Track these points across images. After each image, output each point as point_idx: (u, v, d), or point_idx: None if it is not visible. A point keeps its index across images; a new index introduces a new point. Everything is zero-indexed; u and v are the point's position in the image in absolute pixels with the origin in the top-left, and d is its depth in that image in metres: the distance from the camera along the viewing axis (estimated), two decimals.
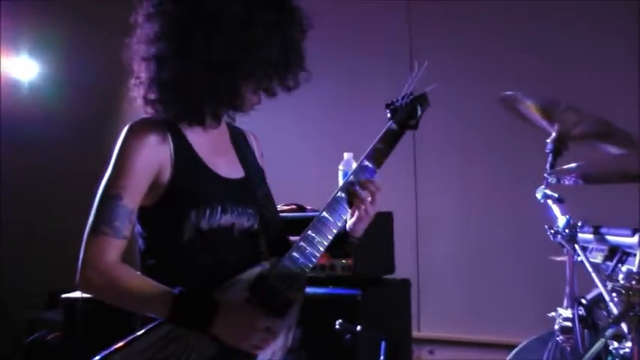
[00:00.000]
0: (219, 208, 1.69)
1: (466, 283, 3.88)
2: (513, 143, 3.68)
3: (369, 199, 1.85)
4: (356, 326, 2.53)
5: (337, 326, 2.53)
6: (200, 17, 1.64)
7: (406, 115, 1.95)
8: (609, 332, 1.91)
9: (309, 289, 2.96)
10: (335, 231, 1.77)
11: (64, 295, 3.51)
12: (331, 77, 4.01)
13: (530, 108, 2.39)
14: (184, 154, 1.70)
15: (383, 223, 3.23)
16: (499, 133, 3.75)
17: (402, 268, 3.33)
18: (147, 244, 1.73)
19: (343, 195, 1.82)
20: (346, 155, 3.13)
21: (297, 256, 1.70)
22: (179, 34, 1.65)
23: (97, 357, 1.57)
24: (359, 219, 1.90)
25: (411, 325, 3.34)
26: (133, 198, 1.65)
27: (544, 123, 2.42)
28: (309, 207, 3.25)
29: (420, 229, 4.00)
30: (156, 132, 1.68)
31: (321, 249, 1.73)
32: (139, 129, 1.68)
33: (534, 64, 3.67)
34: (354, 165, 3.09)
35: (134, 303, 1.65)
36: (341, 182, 3.11)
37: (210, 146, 1.77)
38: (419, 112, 1.97)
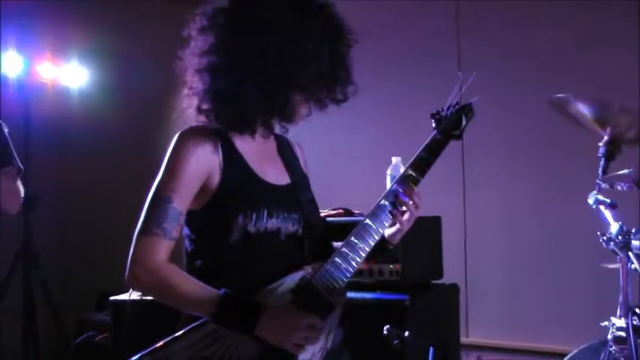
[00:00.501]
0: (266, 212, 1.75)
1: (515, 288, 3.83)
2: (564, 147, 3.62)
3: (412, 208, 1.90)
4: (404, 332, 2.52)
5: (385, 332, 2.52)
6: (253, 30, 1.70)
7: (450, 126, 1.99)
8: None
9: (357, 294, 3.01)
10: (377, 237, 1.83)
11: (112, 297, 3.56)
12: (381, 82, 4.01)
13: (582, 111, 2.35)
14: (233, 161, 1.77)
15: (431, 228, 3.22)
16: (549, 137, 3.70)
17: (451, 273, 3.30)
18: (194, 246, 1.79)
19: (386, 203, 1.87)
20: (394, 160, 3.12)
21: (340, 261, 1.77)
22: (232, 46, 1.71)
23: (144, 352, 1.64)
24: (399, 228, 1.94)
25: (459, 330, 3.30)
26: (182, 201, 1.71)
27: (596, 126, 2.38)
28: (356, 211, 3.24)
29: (468, 234, 3.96)
30: (206, 139, 1.75)
31: (363, 255, 1.80)
32: (191, 136, 1.74)
33: (585, 66, 3.61)
34: (402, 169, 3.11)
35: (180, 301, 1.70)
36: (389, 187, 3.13)
37: (258, 154, 1.84)
38: (463, 123, 2.01)
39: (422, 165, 1.94)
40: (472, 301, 3.86)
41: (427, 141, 1.97)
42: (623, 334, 2.16)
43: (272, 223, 1.76)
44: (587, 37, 3.64)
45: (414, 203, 1.89)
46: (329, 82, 1.77)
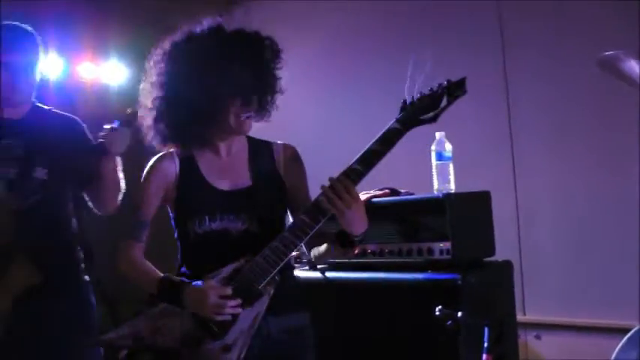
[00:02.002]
0: (207, 217, 2.14)
1: (572, 263, 3.72)
2: (616, 118, 3.50)
3: (340, 205, 1.96)
4: (457, 312, 2.46)
5: (437, 312, 2.47)
6: (178, 64, 2.13)
7: (420, 110, 2.01)
8: None
9: (407, 275, 2.96)
10: (309, 231, 2.01)
11: (134, 283, 3.55)
12: (410, 63, 3.94)
13: (633, 68, 2.24)
14: (188, 175, 2.20)
15: (480, 203, 3.12)
16: (600, 108, 3.58)
17: (504, 250, 3.20)
18: (177, 239, 2.26)
19: (321, 198, 1.99)
20: (438, 135, 3.06)
21: (269, 253, 2.03)
22: (165, 79, 2.16)
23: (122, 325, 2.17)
24: (340, 219, 2.01)
25: (515, 308, 3.21)
26: (148, 212, 2.23)
27: None
28: (402, 190, 3.18)
29: (520, 209, 3.86)
30: (163, 162, 2.24)
31: (293, 248, 2.03)
32: (154, 161, 2.25)
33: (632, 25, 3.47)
34: (447, 145, 3.05)
35: (143, 284, 2.21)
36: (434, 163, 3.07)
37: (219, 165, 2.21)
38: (443, 103, 2.01)
39: (371, 158, 2.00)
40: (527, 277, 3.76)
41: (382, 131, 2.00)
42: None
43: (217, 225, 2.14)
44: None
45: (343, 200, 1.95)
46: (248, 95, 2.10)
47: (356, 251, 2.12)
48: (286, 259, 2.04)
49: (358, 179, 2.00)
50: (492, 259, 3.12)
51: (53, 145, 2.74)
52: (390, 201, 3.11)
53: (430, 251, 2.96)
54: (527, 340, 3.73)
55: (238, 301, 2.03)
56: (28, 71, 2.74)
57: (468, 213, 3.01)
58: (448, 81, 2.01)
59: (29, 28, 2.77)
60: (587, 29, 3.64)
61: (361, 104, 4.40)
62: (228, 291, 2.03)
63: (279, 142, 2.30)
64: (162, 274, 2.16)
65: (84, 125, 2.86)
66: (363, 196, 2.59)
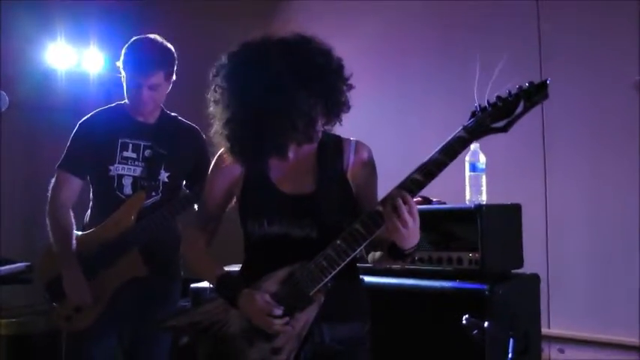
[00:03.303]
0: (265, 222, 2.09)
1: (600, 279, 3.70)
2: None
3: (396, 221, 1.88)
4: (483, 322, 2.48)
5: (464, 321, 2.49)
6: (253, 85, 1.99)
7: (489, 118, 1.88)
8: None
9: (436, 283, 2.99)
10: (363, 242, 1.95)
11: (193, 285, 3.66)
12: (456, 66, 3.95)
13: None
14: (253, 173, 2.14)
15: (511, 216, 3.15)
16: (634, 122, 3.56)
17: (531, 263, 3.22)
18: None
19: (380, 209, 1.92)
20: (473, 146, 3.09)
21: (321, 261, 1.97)
22: (236, 101, 2.03)
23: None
24: (394, 234, 1.92)
25: (540, 322, 3.23)
26: (212, 204, 2.24)
27: None
28: (434, 199, 3.21)
29: (549, 222, 3.86)
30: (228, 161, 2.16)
31: (346, 257, 1.97)
32: (218, 155, 2.22)
33: None
34: (481, 156, 3.07)
35: (201, 274, 2.30)
36: (467, 174, 3.10)
37: (287, 167, 2.13)
38: (519, 110, 1.86)
39: (433, 169, 1.90)
40: (554, 291, 3.76)
41: (448, 140, 1.89)
42: None
43: (276, 229, 2.08)
44: None
45: (401, 220, 1.87)
46: (322, 106, 2.01)
47: (410, 261, 2.06)
48: (338, 269, 1.97)
49: (418, 190, 1.92)
50: (520, 271, 3.15)
51: (177, 151, 3.00)
52: (422, 209, 3.10)
53: (459, 261, 3.00)
54: (551, 353, 3.73)
55: (286, 319, 2.01)
56: (158, 89, 2.96)
57: (498, 225, 3.03)
58: (530, 83, 1.87)
59: (164, 44, 2.98)
60: (624, 46, 3.63)
61: (403, 104, 4.41)
62: (278, 312, 2.00)
63: (352, 139, 2.19)
64: (221, 270, 2.17)
65: (204, 136, 2.98)
66: None
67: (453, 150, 1.88)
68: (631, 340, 3.50)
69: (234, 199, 2.22)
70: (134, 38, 2.98)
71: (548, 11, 3.91)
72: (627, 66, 3.47)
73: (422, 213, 3.02)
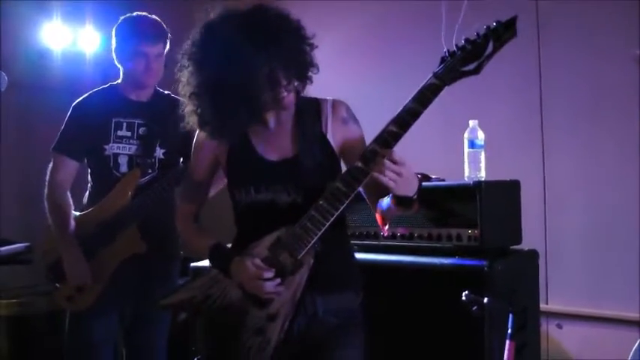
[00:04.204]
0: (252, 189, 2.11)
1: (597, 255, 3.71)
2: None
3: (393, 167, 1.85)
4: (483, 298, 2.50)
5: (464, 297, 2.51)
6: (216, 58, 2.01)
7: (459, 62, 1.85)
8: None
9: (435, 260, 3.00)
10: (345, 200, 1.94)
11: (193, 264, 3.67)
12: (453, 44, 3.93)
13: None
14: (237, 145, 2.15)
15: (510, 192, 3.15)
16: (631, 98, 3.55)
17: (530, 239, 3.23)
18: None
19: (359, 164, 1.92)
20: (471, 123, 3.09)
21: (306, 222, 1.98)
22: (203, 75, 2.04)
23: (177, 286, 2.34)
24: (389, 186, 1.88)
25: (538, 297, 3.24)
26: (199, 173, 2.26)
27: None
28: (433, 176, 3.22)
29: (548, 198, 3.86)
30: None
31: (330, 217, 1.96)
32: (197, 133, 2.23)
33: None
34: (480, 133, 3.07)
35: (194, 246, 2.26)
36: (466, 151, 3.10)
37: (268, 135, 2.15)
38: (488, 50, 1.84)
39: (407, 118, 1.87)
40: (552, 267, 3.77)
41: (419, 88, 1.86)
42: None
43: (263, 196, 2.10)
44: None
45: (391, 161, 1.84)
46: (284, 68, 1.98)
47: (415, 207, 1.99)
48: (324, 229, 1.97)
49: (394, 142, 1.89)
50: (519, 247, 3.17)
51: (172, 128, 2.91)
52: (421, 186, 3.13)
53: (459, 237, 3.01)
54: (549, 329, 3.75)
55: (277, 281, 2.02)
56: (160, 59, 2.99)
57: (497, 201, 3.04)
58: (497, 22, 1.84)
59: (158, 19, 3.02)
60: (622, 23, 3.61)
61: (396, 83, 4.40)
62: (269, 274, 2.02)
63: (328, 98, 2.19)
64: (213, 241, 2.18)
65: None
66: None
67: (425, 97, 1.86)
68: (629, 314, 3.51)
69: (220, 170, 2.25)
70: (127, 15, 3.01)
71: None
72: (627, 39, 3.46)
73: (421, 190, 3.07)
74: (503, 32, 1.84)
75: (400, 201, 1.95)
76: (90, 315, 2.95)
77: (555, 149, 3.85)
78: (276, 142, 2.15)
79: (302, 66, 2.03)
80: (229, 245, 2.24)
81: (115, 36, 3.01)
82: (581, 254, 3.77)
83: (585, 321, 3.72)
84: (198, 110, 2.08)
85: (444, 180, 3.21)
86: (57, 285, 3.01)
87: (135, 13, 3.02)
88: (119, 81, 3.08)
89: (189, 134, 2.98)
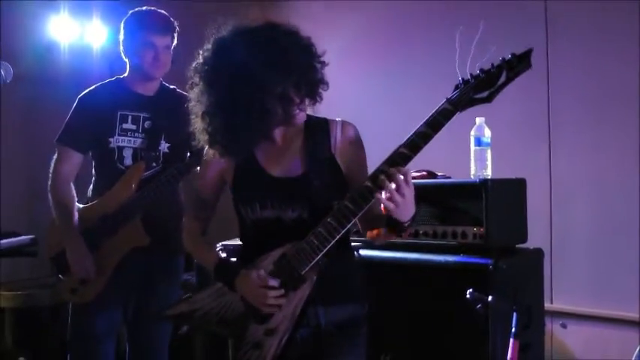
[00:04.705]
0: (258, 206, 2.11)
1: (603, 255, 3.70)
2: None
3: (395, 195, 1.89)
4: (487, 296, 2.49)
5: (468, 295, 2.51)
6: (227, 77, 2.01)
7: (472, 90, 1.90)
8: None
9: (440, 257, 3.00)
10: (352, 218, 1.96)
11: (195, 259, 3.67)
12: (461, 42, 3.91)
13: None
14: (244, 162, 2.16)
15: (516, 191, 3.14)
16: (638, 97, 3.55)
17: (535, 237, 3.22)
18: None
19: (369, 184, 1.94)
20: (478, 121, 3.08)
21: (312, 239, 1.99)
22: (216, 95, 2.04)
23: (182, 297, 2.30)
24: (389, 208, 1.92)
25: (543, 296, 3.24)
26: (205, 192, 2.29)
27: None
28: (439, 173, 3.21)
29: (553, 197, 3.85)
30: None
31: (336, 234, 1.97)
32: (206, 150, 2.23)
33: None
34: (487, 131, 3.06)
35: (200, 260, 2.33)
36: (473, 148, 3.09)
37: (275, 151, 2.16)
38: (501, 80, 1.89)
39: (418, 142, 1.92)
40: (557, 266, 3.76)
41: (432, 112, 1.91)
42: None
43: (268, 213, 2.10)
44: None
45: (397, 186, 1.88)
46: (295, 85, 2.00)
47: (408, 233, 2.08)
48: (329, 246, 1.99)
49: (404, 164, 1.92)
50: (524, 245, 3.16)
51: (177, 122, 2.92)
52: (427, 183, 3.14)
53: (464, 235, 3.00)
54: (553, 328, 3.74)
55: (281, 291, 2.04)
56: (168, 52, 3.00)
57: (503, 199, 3.03)
58: (512, 54, 1.90)
59: (167, 14, 3.05)
60: (629, 23, 3.59)
61: (405, 82, 4.39)
62: (273, 283, 2.04)
63: (337, 119, 2.21)
64: (219, 256, 2.22)
65: None
66: None
67: (437, 122, 1.91)
68: (634, 315, 3.50)
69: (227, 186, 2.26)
70: (136, 9, 3.03)
71: None
72: (633, 39, 3.45)
73: (427, 187, 3.08)
74: (517, 64, 1.90)
75: (393, 227, 2.01)
76: (93, 308, 2.96)
77: (562, 148, 3.84)
78: (283, 159, 2.16)
79: (313, 83, 2.04)
80: (235, 242, 2.26)
81: (124, 28, 3.02)
82: (587, 254, 3.76)
83: (590, 321, 3.71)
84: (209, 129, 2.07)
85: (450, 177, 3.20)
86: (60, 277, 3.01)
87: (144, 7, 3.03)
88: (126, 74, 3.08)
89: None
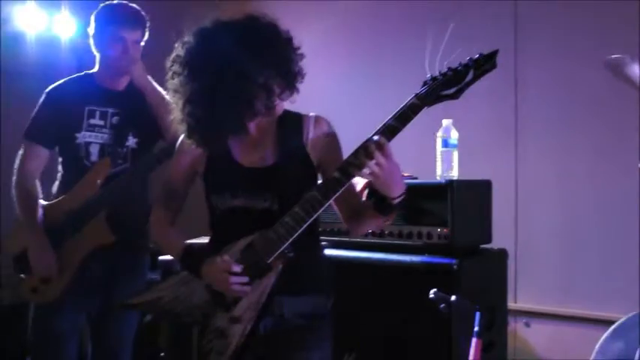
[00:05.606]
0: (229, 193, 2.13)
1: (566, 255, 3.76)
2: (619, 111, 3.52)
3: (375, 169, 1.93)
4: (451, 296, 2.51)
5: (432, 295, 2.52)
6: (207, 67, 2.03)
7: (440, 86, 1.98)
8: None
9: (405, 257, 3.02)
10: (319, 208, 1.99)
11: (162, 257, 3.66)
12: (430, 42, 3.94)
13: (638, 72, 2.28)
14: (218, 152, 2.16)
15: (481, 192, 3.18)
16: (605, 101, 3.60)
17: (501, 238, 3.27)
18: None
19: (337, 175, 1.99)
20: (445, 122, 3.10)
21: (279, 228, 2.02)
22: (195, 84, 2.06)
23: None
24: (377, 184, 1.99)
25: (507, 296, 3.28)
26: (175, 181, 2.28)
27: None
28: (406, 174, 3.22)
29: (519, 198, 3.90)
30: None
31: (303, 223, 2.00)
32: (179, 142, 2.26)
33: None
34: (453, 132, 3.08)
35: (166, 249, 2.33)
36: (439, 149, 3.11)
37: (248, 142, 2.17)
38: (468, 78, 1.97)
39: (387, 134, 1.96)
40: (522, 266, 3.82)
41: (401, 106, 1.97)
42: None
43: (239, 202, 2.12)
44: None
45: (377, 164, 1.92)
46: (275, 77, 2.04)
47: (392, 219, 2.12)
48: (296, 235, 2.01)
49: (373, 156, 1.94)
50: (489, 246, 3.19)
51: (145, 118, 2.96)
52: None
53: (429, 235, 3.03)
54: (517, 327, 3.79)
55: (245, 278, 2.05)
56: (138, 47, 2.96)
57: (468, 200, 3.06)
58: (480, 54, 1.98)
59: (138, 8, 3.01)
60: (596, 28, 3.66)
61: (378, 79, 4.41)
62: (237, 268, 2.05)
63: (311, 114, 2.23)
64: (185, 244, 2.22)
65: None
66: (364, 180, 2.49)
67: (405, 116, 1.97)
68: (596, 313, 3.57)
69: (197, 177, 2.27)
70: (107, 2, 3.00)
71: None
72: (600, 44, 3.49)
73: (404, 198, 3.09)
74: (484, 63, 1.97)
75: (379, 203, 2.03)
76: (55, 308, 2.90)
77: (528, 150, 3.89)
78: (255, 150, 2.18)
79: (293, 75, 2.09)
80: (202, 240, 2.25)
81: (94, 22, 2.98)
82: (551, 254, 3.82)
83: (553, 319, 3.78)
84: (189, 119, 2.08)
85: (416, 178, 3.22)
86: (22, 276, 2.96)
87: (115, 1, 3.00)
88: (95, 69, 3.04)
89: (163, 127, 2.97)
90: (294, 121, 2.21)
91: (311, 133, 2.19)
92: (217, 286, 2.08)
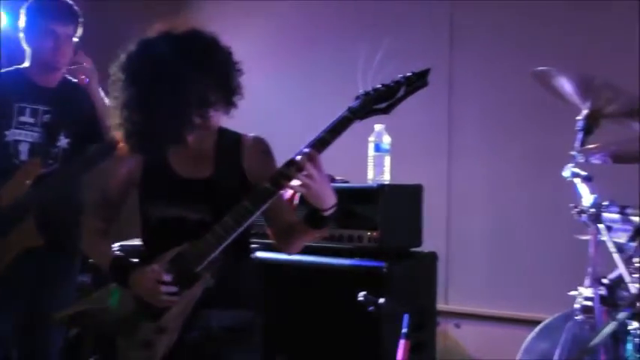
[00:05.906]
0: (164, 203, 2.13)
1: (495, 258, 3.85)
2: (550, 119, 3.61)
3: (308, 181, 1.94)
4: (379, 298, 2.54)
5: (360, 298, 2.55)
6: (146, 77, 2.05)
7: (372, 100, 2.01)
8: (622, 315, 1.89)
9: (335, 260, 3.04)
10: (249, 217, 2.00)
11: (92, 260, 3.60)
12: (366, 50, 3.96)
13: (564, 84, 2.35)
14: (155, 162, 2.17)
15: (413, 196, 3.22)
16: (534, 109, 3.69)
17: (433, 241, 3.32)
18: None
19: (267, 185, 2.00)
20: (377, 127, 3.14)
21: (209, 237, 2.02)
22: (135, 93, 2.06)
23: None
24: (309, 197, 1.99)
25: (436, 298, 3.33)
26: (109, 192, 2.27)
27: (577, 99, 2.38)
28: (338, 177, 3.25)
29: (451, 203, 3.97)
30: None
31: (233, 232, 2.01)
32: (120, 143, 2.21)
33: (571, 41, 3.59)
34: (386, 137, 3.13)
35: (96, 260, 2.29)
36: (371, 154, 3.15)
37: (185, 154, 2.17)
38: (400, 94, 2.02)
39: (318, 147, 1.98)
40: (453, 269, 3.88)
41: (333, 120, 2.01)
42: (590, 303, 2.19)
43: (172, 212, 2.11)
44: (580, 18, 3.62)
45: (308, 176, 1.93)
46: (213, 91, 2.06)
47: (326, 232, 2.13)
48: (225, 244, 2.01)
49: (304, 168, 1.96)
50: (419, 249, 3.24)
51: (79, 117, 2.90)
52: None
53: (360, 238, 3.06)
54: (448, 328, 3.85)
55: (174, 288, 2.04)
56: (70, 42, 2.90)
57: (399, 204, 3.11)
58: (412, 72, 2.02)
59: (71, 2, 2.94)
60: (527, 39, 3.76)
61: (311, 92, 4.42)
62: (167, 278, 2.03)
63: (250, 135, 2.25)
64: (114, 254, 2.21)
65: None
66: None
67: (337, 129, 2.00)
68: (525, 314, 3.65)
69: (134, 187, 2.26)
70: None
71: (461, 4, 4.00)
72: (528, 57, 3.59)
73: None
74: (416, 80, 2.01)
75: (311, 216, 2.03)
76: None
77: (461, 155, 3.96)
78: (192, 162, 2.18)
79: (231, 90, 2.11)
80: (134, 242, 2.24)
81: (25, 15, 2.91)
82: (481, 256, 3.90)
83: (483, 320, 3.85)
84: (127, 122, 2.08)
85: (348, 182, 3.25)
86: None
87: None
88: (26, 64, 2.97)
89: (96, 122, 2.91)
90: (233, 139, 2.22)
91: (249, 150, 2.20)
92: (146, 296, 2.06)
